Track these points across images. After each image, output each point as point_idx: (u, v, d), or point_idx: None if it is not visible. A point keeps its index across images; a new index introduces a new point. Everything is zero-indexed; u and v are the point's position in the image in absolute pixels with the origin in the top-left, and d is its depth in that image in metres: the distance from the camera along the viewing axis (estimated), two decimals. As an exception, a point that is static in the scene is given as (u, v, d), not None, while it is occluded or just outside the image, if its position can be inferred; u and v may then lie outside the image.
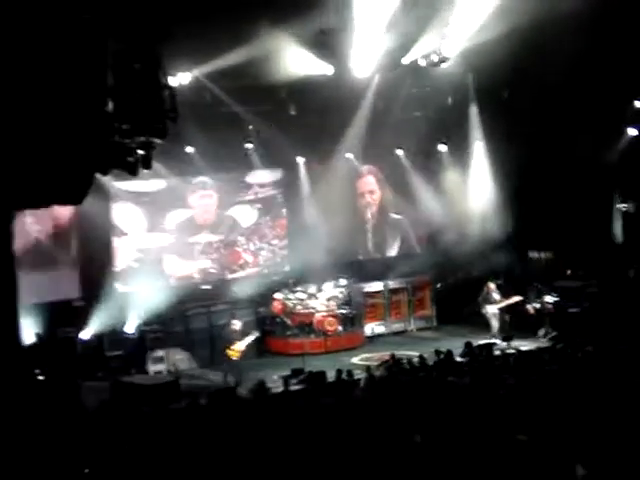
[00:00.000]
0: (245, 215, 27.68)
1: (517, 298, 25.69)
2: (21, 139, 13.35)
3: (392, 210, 29.76)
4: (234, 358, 22.63)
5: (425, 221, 29.58)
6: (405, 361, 18.94)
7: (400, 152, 29.06)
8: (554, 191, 27.49)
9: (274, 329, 26.82)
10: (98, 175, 15.52)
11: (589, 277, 26.60)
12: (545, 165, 27.41)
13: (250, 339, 23.07)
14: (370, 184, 29.61)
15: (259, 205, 27.83)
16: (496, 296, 25.63)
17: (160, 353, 24.50)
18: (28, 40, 13.02)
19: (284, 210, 28.20)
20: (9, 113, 13.18)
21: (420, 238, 29.93)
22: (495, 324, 25.42)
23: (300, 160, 27.82)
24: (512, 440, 11.59)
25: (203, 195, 26.90)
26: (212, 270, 27.02)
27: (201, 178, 26.63)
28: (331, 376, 18.53)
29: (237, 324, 23.15)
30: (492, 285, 25.78)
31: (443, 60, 25.16)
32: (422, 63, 25.20)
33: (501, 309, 25.53)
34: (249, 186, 27.66)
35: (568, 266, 27.39)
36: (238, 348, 22.64)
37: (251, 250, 27.78)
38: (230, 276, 27.26)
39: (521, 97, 26.72)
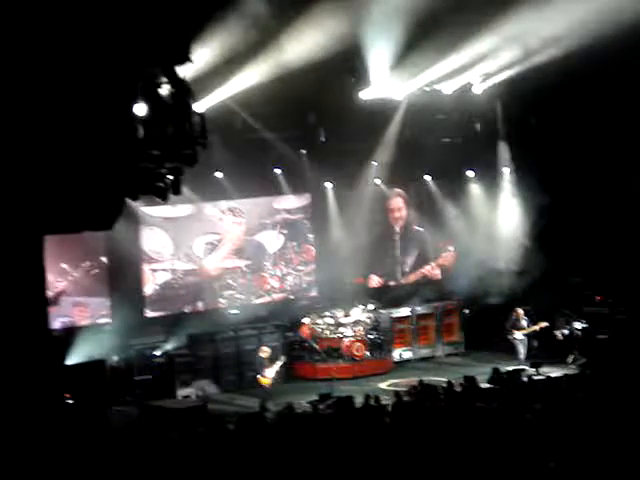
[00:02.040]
0: (272, 240, 27.76)
1: (544, 324, 25.67)
2: (52, 165, 13.51)
3: (415, 224, 29.74)
4: (266, 385, 22.67)
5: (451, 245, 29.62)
6: (433, 387, 18.90)
7: (428, 177, 29.12)
8: (584, 217, 27.46)
9: (302, 354, 26.84)
10: (128, 200, 15.65)
11: (618, 304, 26.48)
12: (575, 192, 27.40)
13: (279, 365, 23.13)
14: (398, 203, 29.61)
15: (286, 230, 27.89)
16: (524, 322, 25.58)
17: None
18: (61, 69, 13.20)
19: (311, 235, 28.23)
20: (42, 140, 13.35)
21: (445, 261, 29.82)
22: (522, 350, 25.36)
23: (328, 185, 27.85)
24: (541, 466, 11.57)
25: (233, 222, 26.97)
26: (238, 296, 27.05)
27: (230, 203, 26.70)
28: (359, 401, 18.51)
29: (266, 351, 23.20)
30: (520, 311, 25.72)
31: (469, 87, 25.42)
32: (448, 90, 25.46)
33: (528, 335, 25.47)
34: (276, 211, 27.73)
35: (597, 293, 27.28)
36: (269, 375, 22.69)
37: (278, 275, 27.82)
38: (257, 301, 27.29)
39: (549, 124, 26.82)
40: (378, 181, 28.31)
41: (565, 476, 11.28)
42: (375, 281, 29.28)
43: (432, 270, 29.81)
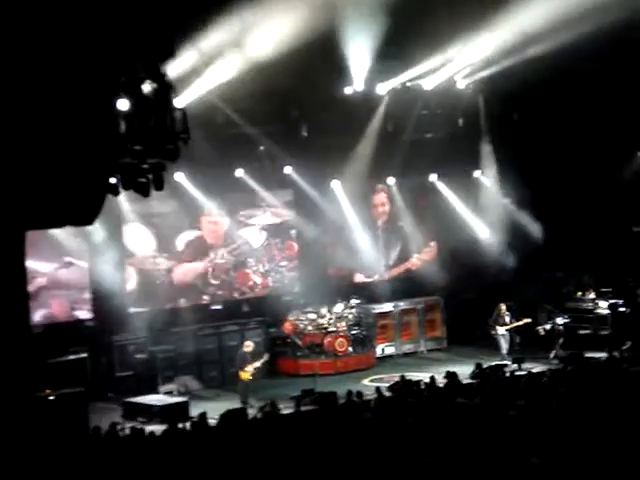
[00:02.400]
0: (255, 237, 27.70)
1: (526, 320, 25.73)
2: (33, 161, 13.46)
3: (398, 220, 29.74)
4: (245, 380, 22.65)
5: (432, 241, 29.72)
6: (415, 383, 18.92)
7: (410, 173, 29.15)
8: (566, 212, 27.58)
9: (285, 350, 26.82)
10: (109, 196, 15.60)
11: (600, 299, 26.58)
12: (556, 186, 27.51)
13: (261, 361, 23.10)
14: (382, 199, 29.61)
15: (269, 227, 27.85)
16: (507, 318, 25.63)
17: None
18: (43, 63, 13.14)
19: (294, 232, 28.18)
20: (22, 135, 13.29)
21: (427, 255, 29.87)
22: (504, 345, 25.41)
23: (311, 181, 27.79)
24: (523, 462, 11.57)
25: (216, 218, 26.88)
26: (220, 292, 26.99)
27: (212, 199, 26.55)
28: (341, 397, 18.51)
29: (250, 346, 23.18)
30: (503, 307, 25.77)
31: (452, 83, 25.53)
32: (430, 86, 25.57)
33: (510, 330, 25.53)
34: (259, 207, 27.65)
35: (579, 288, 27.38)
36: (250, 370, 22.66)
37: (260, 272, 27.76)
38: (239, 297, 27.23)
39: (532, 119, 26.90)
40: (362, 174, 28.25)
41: (548, 472, 11.28)
42: (359, 277, 29.26)
43: (414, 264, 29.78)
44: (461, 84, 26.92)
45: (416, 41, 23.73)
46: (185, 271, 26.49)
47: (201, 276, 26.72)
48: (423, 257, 29.85)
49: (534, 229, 28.51)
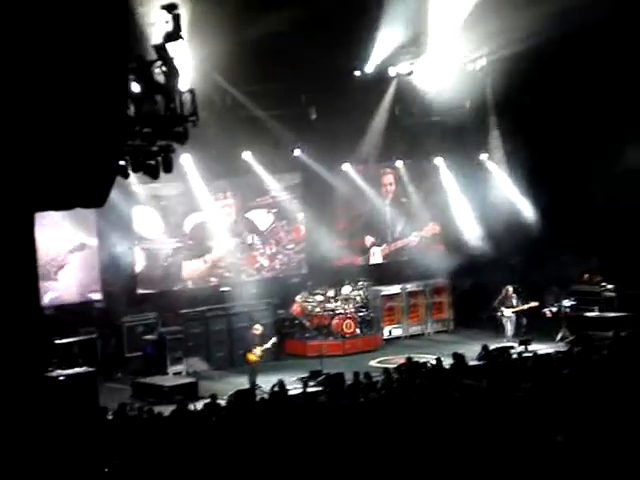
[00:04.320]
0: (262, 219, 27.78)
1: (534, 304, 25.77)
2: (42, 142, 13.49)
3: (402, 197, 29.85)
4: (253, 361, 22.75)
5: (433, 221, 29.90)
6: (422, 364, 19.03)
7: (417, 156, 29.24)
8: (573, 196, 27.58)
9: (293, 331, 26.95)
10: (119, 178, 15.65)
11: (607, 281, 26.61)
12: (565, 171, 27.49)
13: (270, 344, 23.19)
14: (390, 179, 29.71)
15: (276, 209, 27.91)
16: (514, 300, 25.69)
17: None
18: (51, 45, 13.17)
19: (301, 214, 28.27)
20: (30, 116, 13.33)
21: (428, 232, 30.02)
22: (510, 327, 25.48)
23: (320, 163, 27.80)
24: (532, 443, 11.67)
25: (223, 200, 26.96)
26: (228, 274, 27.10)
27: (220, 182, 26.69)
28: (349, 378, 18.60)
29: (259, 329, 23.26)
30: (510, 289, 25.83)
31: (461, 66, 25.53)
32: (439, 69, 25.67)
33: (517, 313, 25.60)
34: (266, 190, 27.71)
35: (586, 271, 27.41)
36: (258, 351, 22.76)
37: (267, 254, 27.86)
38: (247, 279, 27.35)
39: (542, 103, 26.87)
40: (371, 157, 28.33)
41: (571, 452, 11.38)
42: (376, 255, 29.45)
43: (413, 242, 29.91)
44: (470, 67, 26.90)
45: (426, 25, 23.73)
46: (194, 266, 26.64)
47: (209, 262, 26.82)
48: (423, 234, 29.94)
49: (529, 215, 28.55)
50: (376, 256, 29.67)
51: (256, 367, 22.63)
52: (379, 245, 29.63)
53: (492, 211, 28.95)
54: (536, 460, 11.33)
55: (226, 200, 27.09)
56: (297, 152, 27.22)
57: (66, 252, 24.52)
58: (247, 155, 26.50)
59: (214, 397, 17.30)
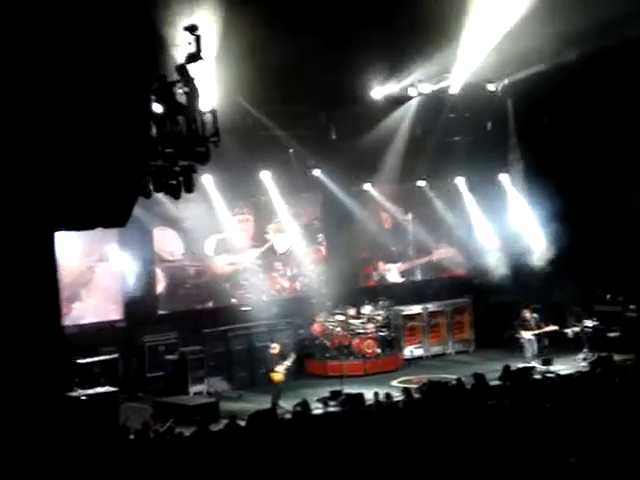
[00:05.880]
0: (282, 240, 27.81)
1: (553, 327, 25.52)
2: (66, 162, 13.59)
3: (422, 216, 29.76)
4: (277, 381, 22.71)
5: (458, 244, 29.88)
6: (443, 384, 18.97)
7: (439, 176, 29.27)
8: (594, 216, 27.46)
9: (313, 351, 26.94)
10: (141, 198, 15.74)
11: (628, 302, 26.51)
12: (587, 191, 27.38)
13: (289, 361, 23.16)
14: (409, 198, 29.63)
15: (295, 230, 27.83)
16: (532, 322, 25.46)
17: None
18: (77, 65, 13.28)
19: (321, 235, 28.28)
20: (55, 136, 13.44)
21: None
22: (529, 349, 25.23)
23: (338, 184, 27.85)
24: (552, 463, 11.62)
25: (244, 221, 27.04)
26: (249, 295, 27.09)
27: (240, 203, 26.77)
28: (369, 398, 18.57)
29: (276, 348, 23.24)
30: (527, 313, 25.59)
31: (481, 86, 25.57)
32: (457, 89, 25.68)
33: (537, 335, 25.42)
34: (286, 211, 27.57)
35: (608, 291, 27.30)
36: (281, 370, 22.71)
37: (287, 276, 27.90)
38: (268, 299, 27.29)
39: (562, 123, 26.82)
40: (388, 179, 28.34)
41: (579, 473, 11.32)
42: (394, 274, 29.37)
43: (436, 258, 29.93)
44: (490, 87, 26.91)
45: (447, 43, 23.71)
46: (215, 271, 26.67)
47: (230, 278, 26.85)
48: (443, 252, 29.96)
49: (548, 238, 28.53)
50: (393, 273, 29.66)
51: (282, 386, 22.60)
52: (395, 262, 29.63)
53: (512, 232, 28.91)
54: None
55: (247, 221, 27.12)
56: (317, 172, 27.29)
57: (88, 271, 24.63)
58: (266, 175, 26.57)
59: (233, 418, 17.27)
